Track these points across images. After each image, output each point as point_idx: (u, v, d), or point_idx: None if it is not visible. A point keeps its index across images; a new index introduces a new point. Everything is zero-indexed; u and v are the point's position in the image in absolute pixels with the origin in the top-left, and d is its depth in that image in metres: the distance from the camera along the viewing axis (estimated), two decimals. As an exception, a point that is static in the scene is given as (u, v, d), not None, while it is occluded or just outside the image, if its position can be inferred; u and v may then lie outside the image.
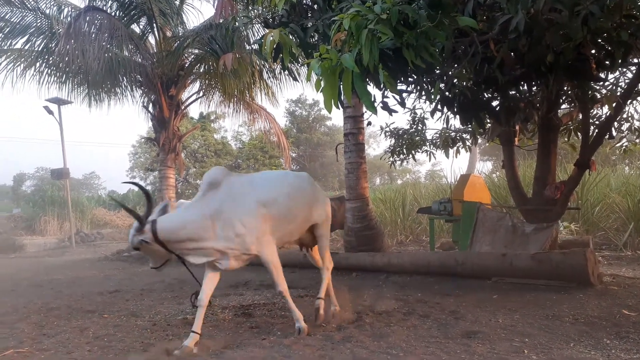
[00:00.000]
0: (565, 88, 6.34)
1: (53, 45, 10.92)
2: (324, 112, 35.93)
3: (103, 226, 22.68)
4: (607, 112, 6.52)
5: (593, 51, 4.93)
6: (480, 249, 6.62)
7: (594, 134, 6.27)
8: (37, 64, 11.42)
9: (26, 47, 11.41)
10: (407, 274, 6.46)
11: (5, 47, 11.34)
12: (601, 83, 5.93)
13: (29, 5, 11.07)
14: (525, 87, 6.19)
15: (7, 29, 11.08)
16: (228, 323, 4.30)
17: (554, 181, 6.63)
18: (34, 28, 11.21)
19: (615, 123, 6.65)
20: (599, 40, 4.55)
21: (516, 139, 7.34)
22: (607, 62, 4.87)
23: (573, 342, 3.37)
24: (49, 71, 11.64)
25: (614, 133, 6.89)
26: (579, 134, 6.85)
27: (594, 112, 6.90)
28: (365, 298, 5.22)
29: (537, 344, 3.34)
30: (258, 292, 5.90)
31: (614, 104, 5.64)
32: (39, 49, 11.25)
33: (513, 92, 6.19)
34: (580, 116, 6.54)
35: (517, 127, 7.10)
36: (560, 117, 6.79)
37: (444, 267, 6.17)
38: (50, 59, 11.27)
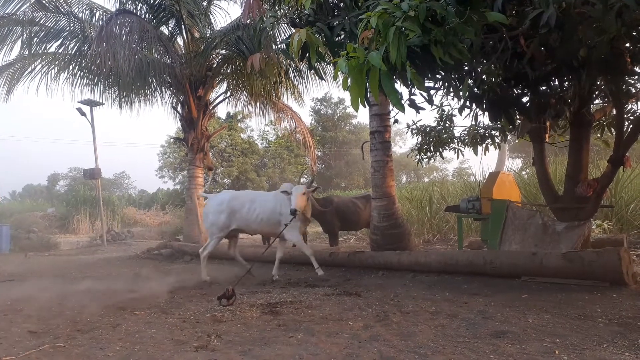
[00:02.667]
0: (598, 83, 6.19)
1: (85, 48, 11.22)
2: (350, 110, 35.88)
3: (133, 225, 23.14)
4: (642, 107, 6.35)
5: (627, 45, 4.80)
6: (510, 247, 6.52)
7: (629, 130, 6.10)
8: (70, 67, 11.76)
9: (60, 51, 11.76)
10: (434, 273, 6.41)
11: (40, 51, 11.68)
12: (636, 77, 5.77)
13: (62, 10, 11.38)
14: (557, 83, 6.07)
15: (42, 33, 11.43)
16: (256, 321, 4.34)
17: (586, 178, 6.48)
18: (67, 32, 11.53)
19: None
20: (634, 34, 4.44)
21: (547, 136, 7.20)
22: (642, 56, 4.74)
23: (606, 343, 3.29)
24: (82, 74, 11.96)
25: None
26: (612, 129, 6.67)
27: (629, 108, 6.70)
28: (392, 297, 5.19)
29: (569, 344, 3.27)
30: (285, 290, 5.93)
31: (649, 99, 5.48)
32: (72, 52, 11.57)
33: (544, 88, 6.08)
34: (614, 112, 6.37)
35: (548, 124, 6.97)
36: (593, 113, 6.63)
37: (472, 266, 6.10)
38: (83, 61, 11.57)
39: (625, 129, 6.13)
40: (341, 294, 5.50)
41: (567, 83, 6.16)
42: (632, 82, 5.83)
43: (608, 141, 7.10)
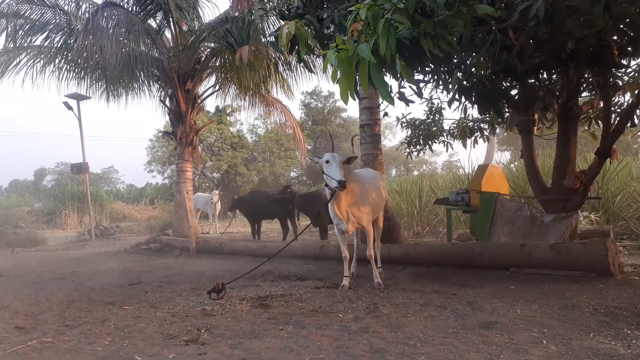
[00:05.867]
0: (585, 76, 6.23)
1: (72, 41, 11.05)
2: (339, 103, 35.86)
3: (122, 219, 23.00)
4: (629, 100, 6.41)
5: (615, 37, 4.83)
6: (498, 239, 6.57)
7: (616, 122, 6.15)
8: (57, 60, 11.58)
9: (45, 44, 11.58)
10: (424, 265, 6.45)
11: (25, 44, 11.50)
12: (623, 70, 5.82)
13: (47, 2, 11.20)
14: (545, 76, 6.10)
15: (27, 26, 11.24)
16: (246, 314, 4.33)
17: (574, 170, 6.54)
18: (53, 25, 11.35)
19: (638, 111, 6.52)
20: (621, 26, 4.46)
21: (535, 128, 7.24)
22: (630, 49, 4.78)
23: (593, 332, 3.33)
24: (68, 67, 11.78)
25: (636, 121, 6.76)
26: (599, 122, 6.73)
27: (616, 100, 6.76)
28: (382, 289, 5.22)
29: (556, 334, 3.31)
30: (275, 284, 5.94)
31: (636, 91, 5.52)
32: (58, 46, 11.40)
33: (532, 81, 6.11)
34: (602, 104, 6.42)
35: (536, 116, 7.01)
36: (581, 106, 6.68)
37: (461, 258, 6.14)
38: (69, 55, 11.40)
39: (612, 121, 6.18)
40: (331, 286, 5.51)
41: (555, 76, 6.20)
42: (620, 74, 5.88)
43: (595, 134, 7.16)
